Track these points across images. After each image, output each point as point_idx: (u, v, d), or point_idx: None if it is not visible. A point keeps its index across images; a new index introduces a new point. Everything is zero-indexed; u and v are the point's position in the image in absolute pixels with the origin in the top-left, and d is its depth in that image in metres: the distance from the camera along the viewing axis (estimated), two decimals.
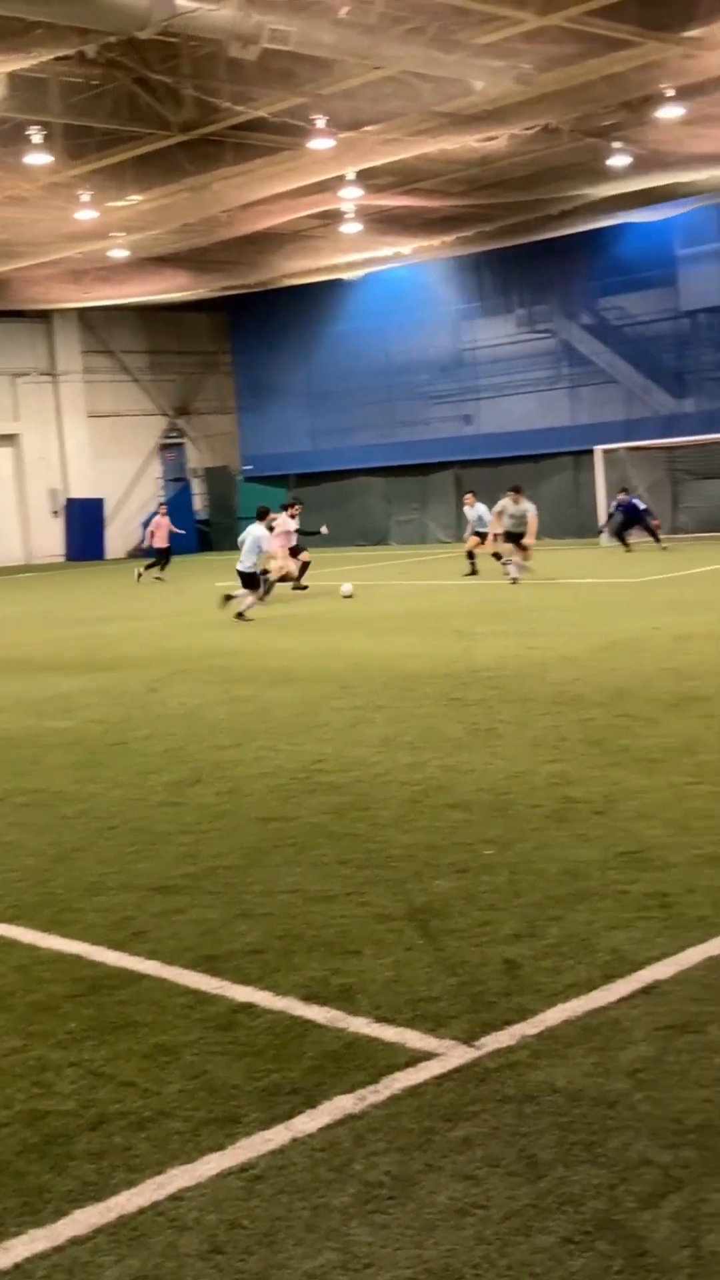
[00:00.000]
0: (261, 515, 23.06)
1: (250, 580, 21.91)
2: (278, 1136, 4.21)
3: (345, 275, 41.36)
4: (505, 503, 25.71)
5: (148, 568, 32.45)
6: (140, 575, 32.02)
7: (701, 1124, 4.11)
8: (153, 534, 33.04)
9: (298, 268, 38.34)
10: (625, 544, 31.91)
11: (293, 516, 25.66)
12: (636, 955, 5.50)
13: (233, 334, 50.04)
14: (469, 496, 27.53)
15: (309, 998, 5.29)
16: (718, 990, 5.09)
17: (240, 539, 22.48)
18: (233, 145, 25.23)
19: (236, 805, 8.61)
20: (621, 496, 32.66)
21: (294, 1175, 3.98)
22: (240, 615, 21.15)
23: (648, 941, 5.65)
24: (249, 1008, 5.24)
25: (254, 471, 48.23)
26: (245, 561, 21.91)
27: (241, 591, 21.84)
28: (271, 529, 23.13)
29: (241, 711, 12.23)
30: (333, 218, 32.87)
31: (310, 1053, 4.79)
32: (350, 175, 27.63)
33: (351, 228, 33.56)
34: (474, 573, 26.79)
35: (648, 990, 5.14)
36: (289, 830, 7.87)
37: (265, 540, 22.10)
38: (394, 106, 22.88)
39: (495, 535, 26.09)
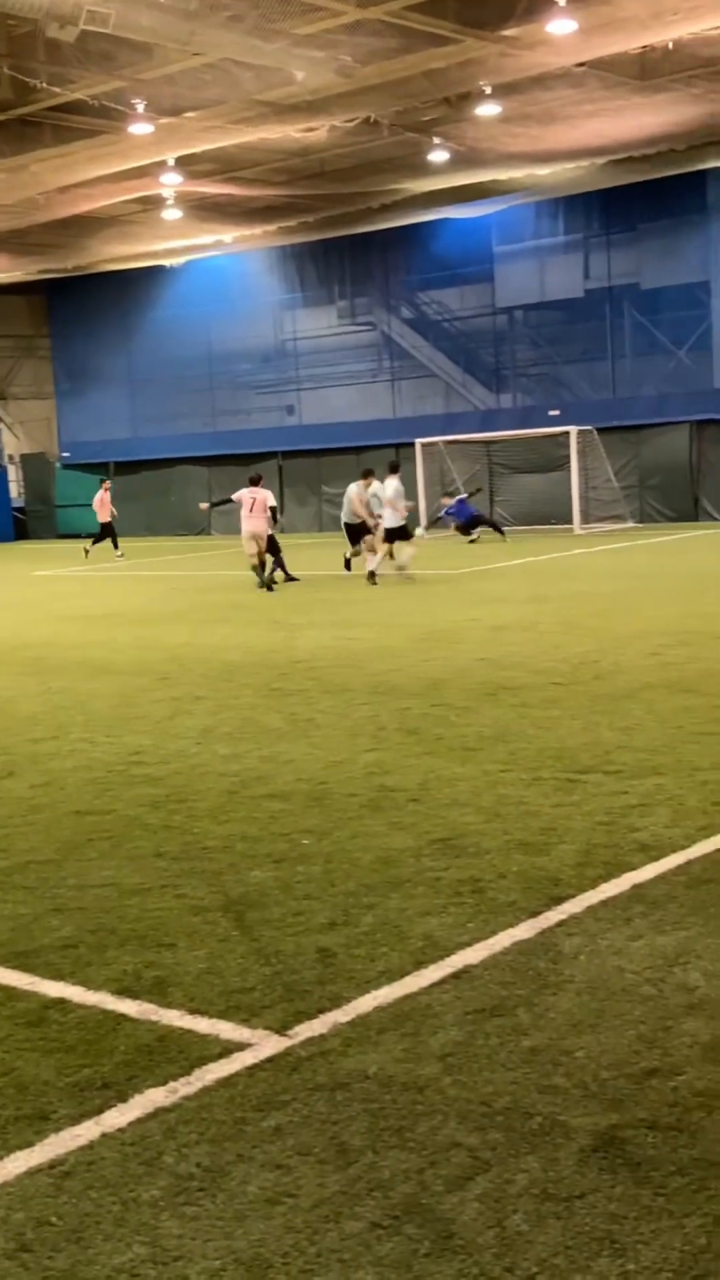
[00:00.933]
0: (366, 474, 23.63)
1: (400, 532, 22.69)
2: (88, 1132, 4.17)
3: (166, 262, 41.03)
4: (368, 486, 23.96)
5: (94, 543, 33.09)
6: (87, 552, 32.77)
7: (509, 1106, 4.20)
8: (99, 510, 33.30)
9: (118, 253, 37.90)
10: (470, 538, 32.22)
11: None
12: (448, 941, 5.58)
13: (51, 318, 49.22)
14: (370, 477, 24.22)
15: (122, 991, 5.25)
16: (525, 974, 5.20)
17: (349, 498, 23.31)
18: (51, 127, 24.80)
19: (51, 798, 8.49)
20: (446, 501, 33.02)
21: (104, 1170, 3.95)
22: (402, 569, 22.22)
23: (459, 927, 5.74)
24: (61, 1003, 5.17)
25: (72, 459, 47.54)
26: (389, 519, 22.54)
27: (360, 548, 23.06)
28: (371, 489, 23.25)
29: (58, 704, 12.05)
30: (153, 203, 32.57)
31: (122, 1047, 4.76)
32: (170, 161, 27.39)
33: (172, 214, 33.30)
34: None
35: (458, 975, 5.22)
36: (105, 823, 7.79)
37: (383, 491, 22.76)
38: (214, 94, 22.76)
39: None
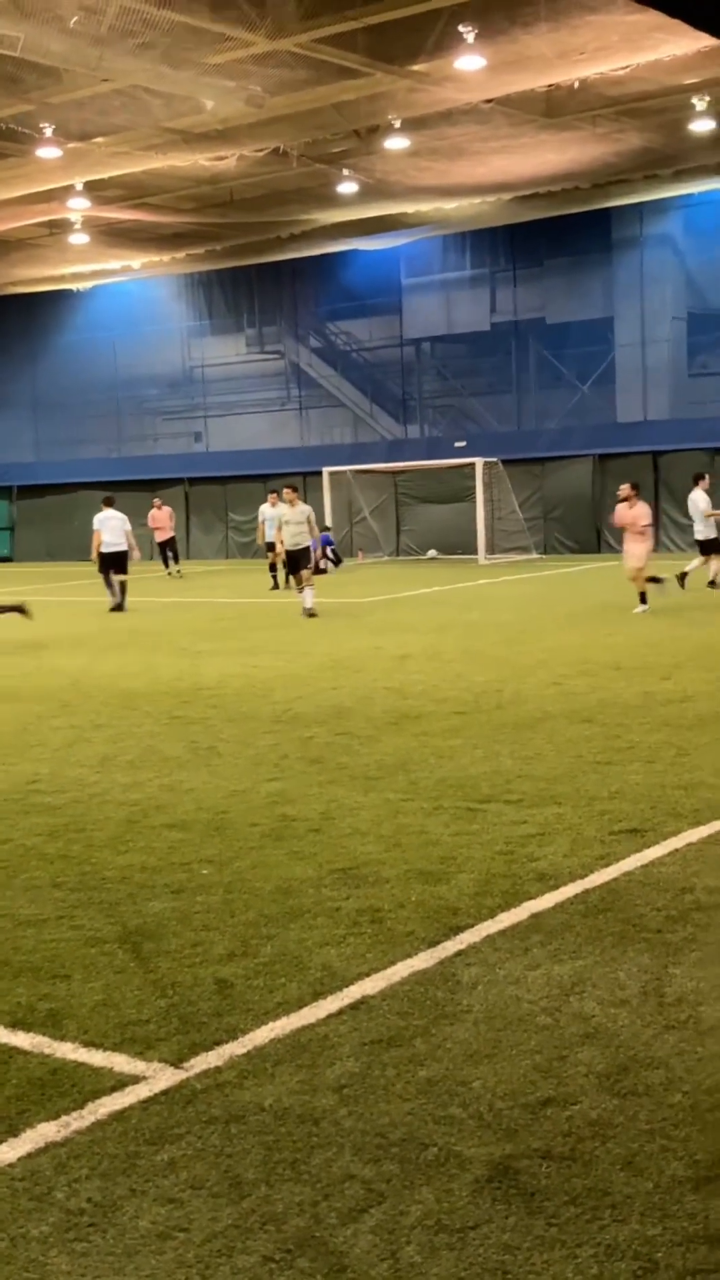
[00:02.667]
0: (698, 479, 22.97)
1: (712, 545, 22.48)
2: None
3: (73, 286, 40.84)
4: (283, 509, 22.72)
5: (174, 566, 32.00)
6: (177, 572, 31.75)
7: (404, 1137, 4.18)
8: (156, 529, 32.04)
9: (24, 276, 37.66)
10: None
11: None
12: (347, 971, 5.56)
13: None
14: (290, 492, 22.34)
15: (15, 1024, 5.16)
16: (423, 1004, 5.20)
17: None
18: None
19: None
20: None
21: None
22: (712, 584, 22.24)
23: (358, 957, 5.72)
24: None
25: None
26: (702, 530, 22.44)
27: (696, 562, 22.66)
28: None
29: None
30: (60, 227, 32.43)
31: (14, 1080, 4.68)
32: (79, 186, 27.31)
33: (80, 238, 33.17)
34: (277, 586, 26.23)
35: (356, 1006, 5.20)
36: (0, 853, 7.67)
37: (703, 501, 22.35)
38: (124, 119, 22.75)
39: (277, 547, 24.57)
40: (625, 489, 20.12)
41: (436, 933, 5.98)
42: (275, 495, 27.17)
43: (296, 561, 21.54)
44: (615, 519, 20.36)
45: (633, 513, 19.65)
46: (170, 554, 32.36)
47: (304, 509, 21.90)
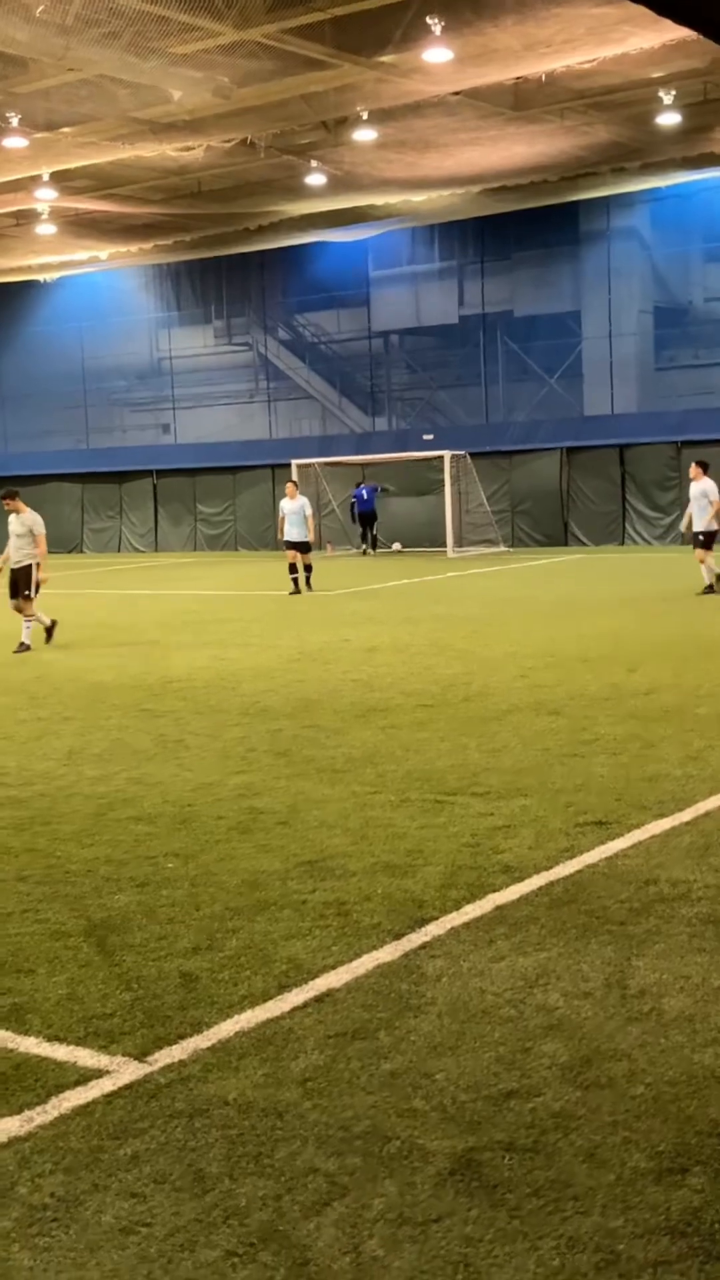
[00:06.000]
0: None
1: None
2: None
3: (40, 276, 40.62)
4: (283, 501, 24.11)
5: None
6: None
7: (367, 1130, 4.19)
8: None
9: None
10: (361, 546, 33.73)
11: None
12: (312, 964, 5.57)
13: None
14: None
15: None
16: (388, 996, 5.21)
17: None
18: None
19: None
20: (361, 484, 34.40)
21: None
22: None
23: (324, 950, 5.73)
24: None
25: None
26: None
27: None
28: None
29: None
30: (27, 217, 32.23)
31: None
32: (45, 176, 27.15)
33: (46, 229, 32.98)
34: (298, 590, 23.87)
35: (321, 999, 5.21)
36: None
37: (713, 492, 20.41)
38: (90, 109, 22.63)
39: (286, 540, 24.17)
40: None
41: (402, 925, 5.99)
42: (293, 485, 25.71)
43: (16, 584, 16.79)
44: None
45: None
46: None
47: (30, 517, 16.87)
